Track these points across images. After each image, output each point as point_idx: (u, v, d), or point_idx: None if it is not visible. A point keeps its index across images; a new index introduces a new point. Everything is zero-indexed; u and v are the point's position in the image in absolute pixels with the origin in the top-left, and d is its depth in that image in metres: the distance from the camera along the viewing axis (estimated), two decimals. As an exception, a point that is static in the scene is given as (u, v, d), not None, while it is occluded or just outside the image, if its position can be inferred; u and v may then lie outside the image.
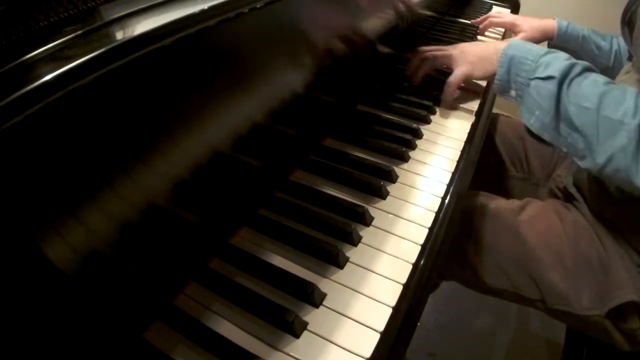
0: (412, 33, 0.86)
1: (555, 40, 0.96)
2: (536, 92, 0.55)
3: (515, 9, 1.19)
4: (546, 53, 0.57)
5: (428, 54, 0.73)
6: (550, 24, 0.98)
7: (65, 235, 0.26)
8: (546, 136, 0.55)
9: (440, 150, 0.58)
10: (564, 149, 0.54)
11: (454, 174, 0.54)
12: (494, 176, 0.84)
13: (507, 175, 0.84)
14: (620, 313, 0.57)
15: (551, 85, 0.53)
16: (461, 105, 0.70)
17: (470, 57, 0.68)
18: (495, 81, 0.61)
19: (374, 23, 0.64)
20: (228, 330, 0.35)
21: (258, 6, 0.37)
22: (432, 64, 0.72)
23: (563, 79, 0.53)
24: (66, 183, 0.25)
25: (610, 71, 0.87)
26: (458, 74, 0.67)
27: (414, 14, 0.80)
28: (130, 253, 0.32)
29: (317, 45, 0.50)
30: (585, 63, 0.55)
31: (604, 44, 0.90)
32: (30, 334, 0.26)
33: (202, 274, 0.40)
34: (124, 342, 0.34)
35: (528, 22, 1.01)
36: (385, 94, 0.70)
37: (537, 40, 0.96)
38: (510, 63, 0.59)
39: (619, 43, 0.87)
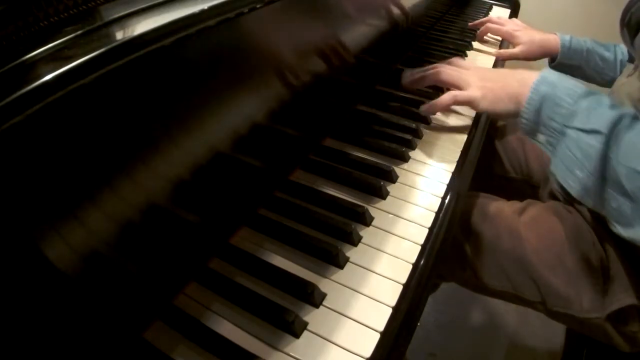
0: (412, 33, 0.86)
1: (559, 58, 0.89)
2: (576, 147, 0.45)
3: (515, 9, 1.19)
4: (586, 95, 0.48)
5: (442, 68, 0.63)
6: (552, 39, 0.91)
7: (66, 235, 0.26)
8: (588, 202, 0.46)
9: (440, 150, 0.58)
10: (603, 213, 0.46)
11: (454, 174, 0.54)
12: (494, 178, 0.84)
13: (507, 177, 0.84)
14: (620, 316, 0.57)
15: (596, 142, 0.44)
16: (461, 106, 0.70)
17: (488, 85, 0.57)
18: (522, 121, 0.51)
19: (374, 23, 0.64)
20: (228, 330, 0.35)
21: (258, 6, 0.37)
22: (439, 80, 0.63)
23: (611, 134, 0.44)
24: (66, 183, 0.25)
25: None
26: (465, 95, 0.58)
27: (414, 14, 0.80)
28: (130, 253, 0.32)
29: (317, 45, 0.50)
30: (631, 111, 0.46)
31: (608, 55, 0.86)
32: (31, 333, 0.26)
33: (202, 274, 0.40)
34: (124, 342, 0.34)
35: (528, 34, 0.94)
36: (385, 94, 0.70)
37: (535, 56, 0.92)
38: (543, 103, 0.49)
39: (623, 51, 0.84)
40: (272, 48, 0.42)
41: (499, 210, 0.66)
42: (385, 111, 0.65)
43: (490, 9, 1.19)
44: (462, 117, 0.66)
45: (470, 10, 1.16)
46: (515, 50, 0.92)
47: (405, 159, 0.55)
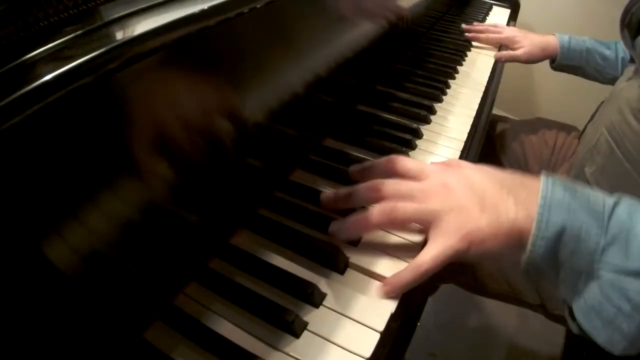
0: (412, 33, 0.86)
1: (559, 59, 0.90)
2: (619, 295, 0.33)
3: (515, 9, 1.19)
4: (612, 211, 0.34)
5: (385, 203, 0.39)
6: (551, 40, 0.91)
7: (66, 235, 0.26)
8: (634, 352, 0.34)
9: (440, 150, 0.58)
10: None
11: (454, 174, 0.54)
12: None
13: None
14: None
15: None
16: (461, 105, 0.70)
17: (467, 215, 0.37)
18: (526, 264, 0.35)
19: (374, 23, 0.64)
20: (228, 330, 0.35)
21: (258, 6, 0.37)
22: (387, 224, 0.41)
23: None
24: (66, 183, 0.25)
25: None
26: (439, 253, 0.37)
27: (414, 14, 0.80)
28: (130, 253, 0.32)
29: (317, 45, 0.50)
30: None
31: (609, 53, 0.85)
32: (31, 333, 0.26)
33: (202, 274, 0.40)
34: (124, 342, 0.34)
35: (528, 37, 0.93)
36: (385, 94, 0.70)
37: (537, 58, 0.92)
38: (558, 241, 0.34)
39: (624, 49, 0.82)
40: (272, 48, 0.42)
41: None
42: (385, 111, 0.65)
43: (490, 9, 1.19)
44: (462, 118, 0.67)
45: (470, 10, 1.16)
46: (518, 52, 0.91)
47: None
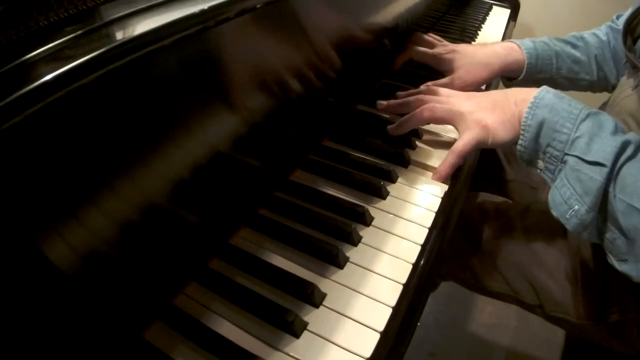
0: (412, 33, 0.85)
1: (525, 74, 0.69)
2: (575, 178, 0.42)
3: (515, 9, 1.19)
4: (587, 117, 0.44)
5: (428, 104, 0.54)
6: (501, 52, 0.68)
7: (65, 235, 0.26)
8: (584, 235, 0.43)
9: (440, 150, 0.58)
10: (601, 243, 0.44)
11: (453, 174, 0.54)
12: (492, 179, 0.83)
13: (505, 179, 0.83)
14: (618, 325, 0.57)
15: (598, 175, 0.40)
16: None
17: (484, 115, 0.50)
18: (518, 148, 0.48)
19: (374, 23, 0.64)
20: (228, 330, 0.35)
21: (258, 6, 0.37)
22: (427, 120, 0.54)
23: (613, 168, 0.40)
24: (66, 183, 0.25)
25: (596, 84, 0.74)
26: (468, 141, 0.50)
27: (414, 14, 0.80)
28: (130, 253, 0.32)
29: (317, 45, 0.50)
30: (635, 138, 0.42)
31: (580, 55, 0.71)
32: (30, 333, 0.26)
33: (202, 274, 0.40)
34: (124, 342, 0.34)
35: (465, 53, 0.68)
36: (385, 94, 0.70)
37: (481, 79, 0.67)
38: (541, 129, 0.45)
39: (594, 44, 0.73)
40: (272, 48, 0.42)
41: (499, 212, 0.66)
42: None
43: (490, 9, 1.18)
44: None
45: (470, 10, 1.16)
46: (446, 79, 0.67)
47: (404, 158, 0.55)
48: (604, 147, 0.41)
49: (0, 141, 0.22)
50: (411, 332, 0.38)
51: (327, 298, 0.38)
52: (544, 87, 0.48)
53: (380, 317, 0.37)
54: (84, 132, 0.26)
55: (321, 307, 0.37)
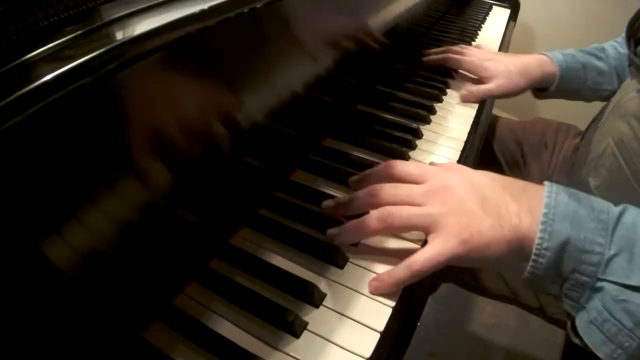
0: (412, 33, 0.86)
1: (557, 85, 0.70)
2: (621, 310, 0.32)
3: (515, 9, 1.19)
4: (617, 221, 0.34)
5: (374, 194, 0.40)
6: (534, 63, 0.69)
7: (66, 235, 0.26)
8: None
9: (440, 150, 0.58)
10: None
11: (454, 174, 0.54)
12: None
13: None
14: None
15: None
16: (461, 105, 0.70)
17: (466, 220, 0.36)
18: (528, 276, 0.35)
19: (374, 23, 0.64)
20: (228, 330, 0.35)
21: (258, 6, 0.37)
22: (375, 231, 0.39)
23: None
24: (66, 183, 0.25)
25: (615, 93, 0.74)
26: (436, 254, 0.36)
27: (414, 14, 0.80)
28: (130, 253, 0.32)
29: (317, 45, 0.50)
30: None
31: (603, 66, 0.72)
32: (30, 333, 0.26)
33: (202, 274, 0.40)
34: (124, 342, 0.34)
35: (502, 62, 0.69)
36: (385, 94, 0.70)
37: (519, 88, 0.69)
38: (563, 251, 0.33)
39: (614, 55, 0.74)
40: (271, 48, 0.42)
41: None
42: (386, 111, 0.65)
43: (490, 9, 1.19)
44: (463, 118, 0.66)
45: (470, 10, 1.16)
46: (490, 85, 0.69)
47: (405, 158, 0.55)
48: None
49: (0, 141, 0.22)
50: (411, 332, 0.38)
51: (327, 298, 0.38)
52: (550, 186, 0.36)
53: (380, 317, 0.37)
54: (84, 132, 0.26)
55: (321, 307, 0.37)
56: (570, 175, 0.72)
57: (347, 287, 0.39)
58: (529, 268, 0.35)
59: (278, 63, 0.44)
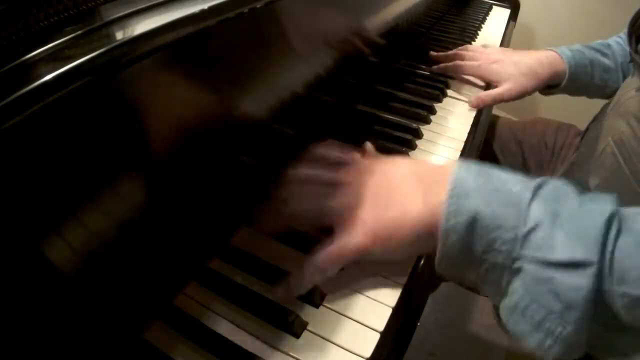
0: (412, 33, 0.86)
1: (566, 83, 0.68)
2: (545, 292, 0.28)
3: (515, 9, 1.19)
4: (535, 193, 0.30)
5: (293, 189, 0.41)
6: (543, 61, 0.67)
7: (66, 235, 0.26)
8: (572, 357, 0.29)
9: (440, 150, 0.58)
10: (592, 352, 0.31)
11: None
12: None
13: None
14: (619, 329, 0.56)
15: (582, 279, 0.27)
16: (461, 105, 0.70)
17: (371, 212, 0.36)
18: (438, 262, 0.33)
19: (374, 23, 0.64)
20: (228, 330, 0.35)
21: (258, 6, 0.37)
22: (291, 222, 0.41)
23: (603, 259, 0.27)
24: (66, 183, 0.25)
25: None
26: (341, 247, 0.35)
27: (414, 14, 0.80)
28: (130, 253, 0.32)
29: (317, 45, 0.50)
30: (612, 201, 0.30)
31: (609, 63, 0.71)
32: (30, 333, 0.26)
33: (202, 274, 0.40)
34: (124, 342, 0.34)
35: (510, 64, 0.67)
36: (385, 94, 0.70)
37: (529, 90, 0.67)
38: (471, 228, 0.30)
39: (619, 52, 0.73)
40: (271, 48, 0.42)
41: None
42: (386, 111, 0.65)
43: (490, 9, 1.19)
44: (463, 117, 0.66)
45: (470, 10, 1.16)
46: (500, 90, 0.67)
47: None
48: (579, 235, 0.28)
49: (0, 141, 0.22)
50: (411, 332, 0.38)
51: (327, 298, 0.38)
52: (460, 163, 0.34)
53: (380, 317, 0.37)
54: (84, 132, 0.26)
55: (321, 307, 0.37)
56: (571, 174, 0.72)
57: (347, 286, 0.39)
58: (438, 252, 0.32)
59: (278, 63, 0.44)
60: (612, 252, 0.27)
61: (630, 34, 0.61)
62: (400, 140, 0.58)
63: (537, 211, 0.29)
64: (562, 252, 0.28)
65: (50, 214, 0.25)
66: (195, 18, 0.31)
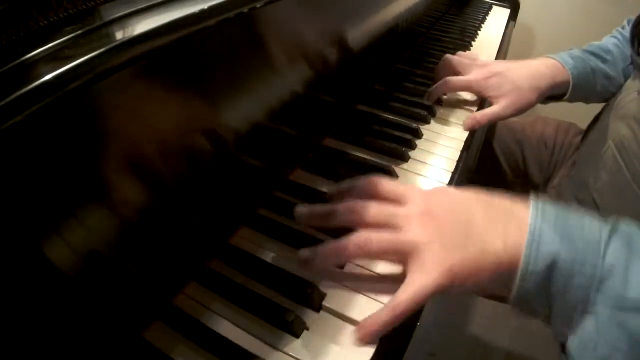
0: (412, 33, 0.86)
1: (570, 95, 0.66)
2: (617, 331, 0.30)
3: (515, 9, 1.19)
4: (610, 238, 0.31)
5: (357, 237, 0.35)
6: (545, 72, 0.63)
7: (66, 235, 0.26)
8: None
9: (440, 150, 0.58)
10: None
11: (454, 174, 0.54)
12: (492, 181, 0.83)
13: (505, 180, 0.83)
14: None
15: None
16: (461, 105, 0.70)
17: (448, 249, 0.34)
18: (514, 302, 0.34)
19: (374, 23, 0.64)
20: (228, 330, 0.35)
21: (258, 6, 0.37)
22: (351, 257, 0.38)
23: None
24: (66, 183, 0.25)
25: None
26: (419, 290, 0.33)
27: (414, 14, 0.80)
28: (130, 253, 0.32)
29: (317, 45, 0.50)
30: None
31: (611, 70, 0.68)
32: (30, 333, 0.26)
33: (202, 274, 0.40)
34: (124, 342, 0.34)
35: (509, 78, 0.62)
36: (385, 94, 0.70)
37: (531, 104, 0.63)
38: (551, 273, 0.31)
39: (620, 57, 0.70)
40: (271, 48, 0.42)
41: None
42: (386, 111, 0.65)
43: (490, 9, 1.19)
44: (463, 118, 0.66)
45: (470, 10, 1.16)
46: (496, 108, 0.62)
47: (405, 159, 0.55)
48: None
49: (0, 141, 0.22)
50: (411, 332, 0.38)
51: (327, 298, 0.38)
52: (536, 205, 0.34)
53: (380, 317, 0.37)
54: (84, 132, 0.26)
55: (321, 307, 0.37)
56: (571, 174, 0.72)
57: (347, 287, 0.39)
58: (514, 293, 0.33)
59: (278, 63, 0.44)
60: None
61: (633, 36, 0.61)
62: (400, 140, 0.58)
63: (613, 256, 0.30)
64: (635, 295, 0.29)
65: (50, 214, 0.25)
66: (195, 18, 0.31)
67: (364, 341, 0.34)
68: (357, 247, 0.35)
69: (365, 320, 0.34)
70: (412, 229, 0.35)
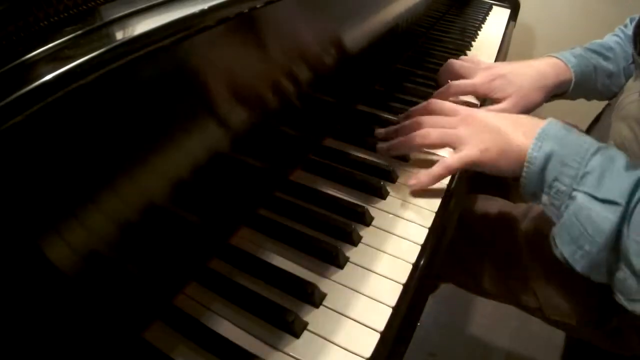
0: (412, 33, 0.86)
1: (572, 91, 0.67)
2: (586, 217, 0.39)
3: (515, 9, 1.19)
4: (597, 151, 0.41)
5: (426, 126, 0.52)
6: (548, 71, 0.65)
7: (66, 235, 0.26)
8: (593, 276, 0.41)
9: (440, 150, 0.58)
10: (609, 283, 0.41)
11: (454, 174, 0.54)
12: (492, 181, 0.83)
13: (505, 181, 0.83)
14: (617, 331, 0.56)
15: (611, 214, 0.38)
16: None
17: (487, 138, 0.48)
18: (522, 180, 0.45)
19: (374, 23, 0.64)
20: (228, 330, 0.35)
21: (258, 6, 0.37)
22: (426, 144, 0.52)
23: (628, 206, 0.37)
24: (66, 183, 0.25)
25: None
26: (461, 160, 0.48)
27: (414, 14, 0.80)
28: (130, 253, 0.32)
29: (317, 45, 0.50)
30: None
31: (612, 68, 0.70)
32: (30, 333, 0.26)
33: (202, 274, 0.40)
34: (124, 342, 0.34)
35: (513, 77, 0.64)
36: (385, 94, 0.70)
37: (537, 103, 0.65)
38: (548, 161, 0.42)
39: (621, 55, 0.71)
40: (272, 48, 0.42)
41: (499, 214, 0.65)
42: (385, 111, 0.65)
43: (490, 9, 1.19)
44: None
45: (470, 10, 1.16)
46: (503, 105, 0.64)
47: (405, 158, 0.55)
48: (617, 183, 0.39)
49: (0, 141, 0.22)
50: (411, 332, 0.38)
51: (327, 298, 0.38)
52: (551, 119, 0.45)
53: (380, 317, 0.37)
54: (84, 132, 0.26)
55: (321, 307, 0.37)
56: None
57: (347, 287, 0.39)
58: (522, 173, 0.44)
59: (278, 63, 0.44)
60: (635, 205, 0.37)
61: (635, 36, 0.61)
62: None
63: (595, 162, 0.40)
64: (604, 192, 0.39)
65: (50, 214, 0.25)
66: (195, 18, 0.31)
67: (417, 185, 0.49)
68: (421, 138, 0.51)
69: (420, 173, 0.50)
70: (460, 127, 0.50)
